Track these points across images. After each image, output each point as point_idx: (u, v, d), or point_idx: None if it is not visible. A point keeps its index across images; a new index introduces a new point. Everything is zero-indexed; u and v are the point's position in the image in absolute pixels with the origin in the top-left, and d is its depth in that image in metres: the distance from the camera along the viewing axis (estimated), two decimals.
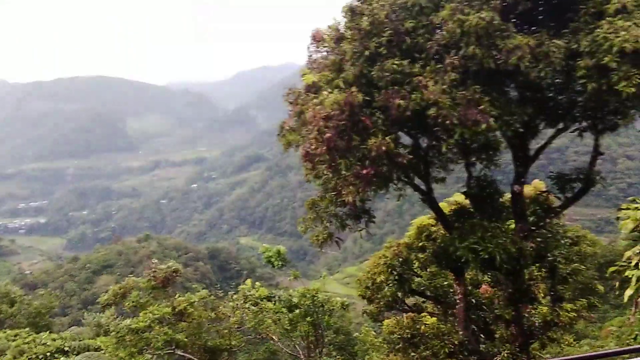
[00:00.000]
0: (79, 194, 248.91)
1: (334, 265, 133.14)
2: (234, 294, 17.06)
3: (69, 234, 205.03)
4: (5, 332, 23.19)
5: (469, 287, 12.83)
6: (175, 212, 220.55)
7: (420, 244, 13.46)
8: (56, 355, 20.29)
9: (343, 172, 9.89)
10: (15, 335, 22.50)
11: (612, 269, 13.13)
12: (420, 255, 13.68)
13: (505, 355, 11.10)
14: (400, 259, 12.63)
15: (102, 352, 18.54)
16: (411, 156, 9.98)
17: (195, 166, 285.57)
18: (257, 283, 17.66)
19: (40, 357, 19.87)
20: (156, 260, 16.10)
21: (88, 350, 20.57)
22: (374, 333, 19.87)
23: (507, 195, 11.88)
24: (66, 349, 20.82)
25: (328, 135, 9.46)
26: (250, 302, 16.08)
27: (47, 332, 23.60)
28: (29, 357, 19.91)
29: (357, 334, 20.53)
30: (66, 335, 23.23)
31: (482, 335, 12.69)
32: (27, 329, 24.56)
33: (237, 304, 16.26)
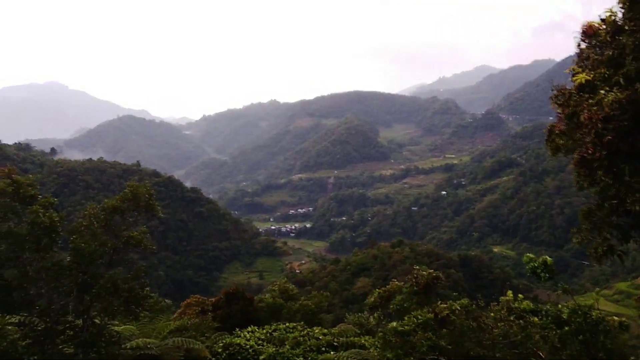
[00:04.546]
0: (338, 201, 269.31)
1: (600, 280, 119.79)
2: (496, 304, 16.52)
3: (330, 238, 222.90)
4: (285, 324, 26.21)
5: None
6: (426, 218, 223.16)
7: None
8: (327, 349, 22.15)
9: (626, 178, 8.91)
10: (292, 328, 25.27)
11: None
12: None
13: None
14: None
15: (367, 350, 19.65)
16: None
17: (445, 173, 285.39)
18: (519, 295, 16.85)
19: (314, 349, 21.91)
20: (417, 267, 16.52)
21: (353, 347, 21.97)
22: None
23: None
24: (335, 344, 22.62)
25: (608, 138, 8.65)
26: (514, 315, 15.38)
27: (319, 327, 26.00)
28: (304, 348, 22.09)
29: (633, 358, 18.14)
30: (334, 331, 25.24)
31: None
32: (301, 322, 27.37)
33: (499, 316, 15.70)
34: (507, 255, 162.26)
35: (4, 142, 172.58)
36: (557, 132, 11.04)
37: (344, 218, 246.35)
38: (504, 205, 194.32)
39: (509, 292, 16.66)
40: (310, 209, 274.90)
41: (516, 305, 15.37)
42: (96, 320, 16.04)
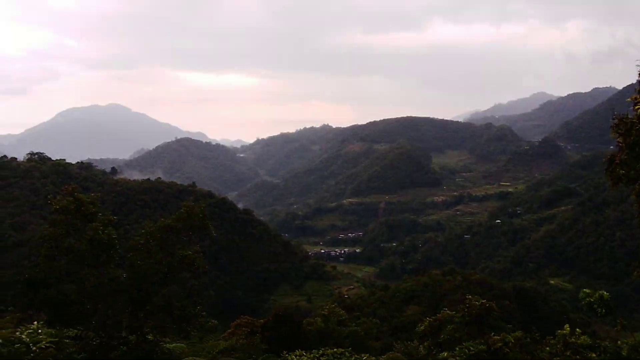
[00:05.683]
0: (389, 227, 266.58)
1: None
2: (552, 338, 15.94)
3: (380, 264, 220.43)
4: (333, 350, 25.97)
5: None
6: (479, 247, 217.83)
7: None
8: None
9: None
10: (340, 354, 24.99)
11: None
12: None
13: None
14: None
15: None
16: None
17: (499, 201, 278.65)
18: (576, 330, 16.20)
19: None
20: (470, 296, 16.16)
21: None
22: None
23: None
24: None
25: None
26: (571, 350, 14.80)
27: (367, 354, 25.63)
28: None
29: None
30: None
31: None
32: (349, 348, 27.05)
33: (555, 350, 15.14)
34: (564, 287, 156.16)
35: (67, 161, 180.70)
36: (618, 161, 10.70)
37: (394, 244, 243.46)
38: (561, 236, 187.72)
39: (566, 326, 16.01)
40: (360, 233, 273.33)
41: (573, 339, 14.75)
42: (149, 337, 16.39)
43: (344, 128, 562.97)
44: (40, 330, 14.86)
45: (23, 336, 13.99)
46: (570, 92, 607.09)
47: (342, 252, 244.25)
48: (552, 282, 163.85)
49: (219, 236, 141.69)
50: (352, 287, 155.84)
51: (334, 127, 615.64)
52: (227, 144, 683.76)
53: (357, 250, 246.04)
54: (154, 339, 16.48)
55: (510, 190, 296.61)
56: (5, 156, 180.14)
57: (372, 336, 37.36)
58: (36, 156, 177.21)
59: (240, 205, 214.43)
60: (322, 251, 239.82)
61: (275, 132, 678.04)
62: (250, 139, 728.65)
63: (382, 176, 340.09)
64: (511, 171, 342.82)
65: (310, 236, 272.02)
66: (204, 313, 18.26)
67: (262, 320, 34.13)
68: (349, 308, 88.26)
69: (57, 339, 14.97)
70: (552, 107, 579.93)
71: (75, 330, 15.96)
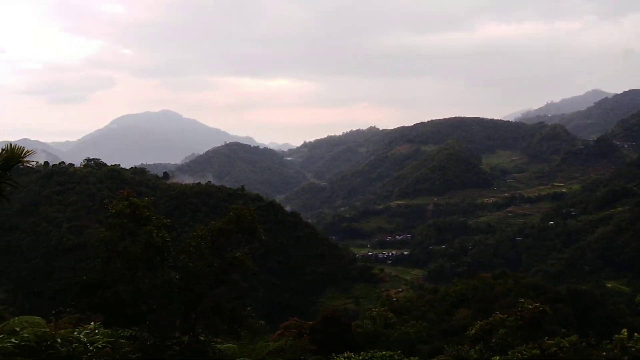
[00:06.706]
0: (437, 229, 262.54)
1: None
2: (608, 343, 15.41)
3: (429, 266, 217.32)
4: (381, 352, 25.86)
5: None
6: (531, 249, 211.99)
7: None
8: None
9: None
10: (389, 357, 24.84)
11: None
12: None
13: None
14: None
15: None
16: None
17: (552, 202, 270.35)
18: (634, 334, 15.63)
19: None
20: (522, 300, 15.80)
21: None
22: None
23: None
24: None
25: None
26: (628, 355, 14.30)
27: (416, 357, 25.41)
28: None
29: None
30: None
31: None
32: (398, 351, 26.86)
33: (612, 355, 14.64)
34: (621, 291, 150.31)
35: (121, 166, 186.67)
36: None
37: (443, 246, 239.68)
38: (618, 237, 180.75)
39: (624, 330, 15.40)
40: (408, 235, 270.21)
41: (631, 344, 14.19)
42: (201, 338, 16.75)
43: (391, 130, 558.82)
44: (97, 331, 15.39)
45: (81, 336, 14.52)
46: (627, 89, 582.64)
47: (390, 254, 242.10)
48: (609, 285, 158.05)
49: (267, 239, 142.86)
50: (400, 289, 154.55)
51: (380, 129, 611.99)
52: (274, 148, 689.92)
53: (405, 253, 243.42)
54: (206, 339, 16.82)
55: (564, 190, 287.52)
56: (63, 162, 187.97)
57: (422, 339, 36.99)
58: (92, 162, 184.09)
59: (287, 208, 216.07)
60: (370, 254, 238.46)
61: (322, 135, 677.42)
62: (297, 142, 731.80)
63: (430, 177, 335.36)
64: (565, 171, 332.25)
65: (357, 239, 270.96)
66: (254, 314, 18.53)
67: (310, 323, 34.31)
68: (397, 311, 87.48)
69: (113, 339, 15.47)
70: (607, 104, 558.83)
71: (130, 331, 16.45)
